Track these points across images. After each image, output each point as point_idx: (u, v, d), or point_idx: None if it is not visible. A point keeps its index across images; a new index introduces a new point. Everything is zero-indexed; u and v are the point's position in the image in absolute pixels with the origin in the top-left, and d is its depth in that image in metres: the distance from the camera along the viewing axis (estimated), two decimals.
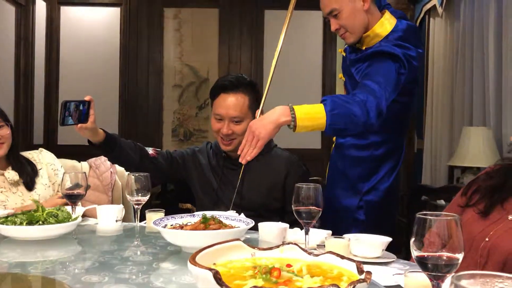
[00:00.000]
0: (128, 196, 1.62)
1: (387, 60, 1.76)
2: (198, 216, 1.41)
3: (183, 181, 2.15)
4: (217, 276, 0.79)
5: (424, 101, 4.29)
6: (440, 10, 3.97)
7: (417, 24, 4.45)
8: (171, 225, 1.39)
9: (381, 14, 1.93)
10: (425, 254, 0.86)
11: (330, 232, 1.54)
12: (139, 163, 1.97)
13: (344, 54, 2.06)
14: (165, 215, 1.57)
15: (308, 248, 1.36)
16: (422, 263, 0.86)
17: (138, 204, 1.63)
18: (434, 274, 0.86)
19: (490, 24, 3.24)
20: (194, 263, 0.87)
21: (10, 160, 2.07)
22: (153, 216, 1.65)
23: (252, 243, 1.48)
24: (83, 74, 4.68)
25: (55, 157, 2.25)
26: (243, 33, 4.80)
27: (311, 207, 1.33)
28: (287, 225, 1.53)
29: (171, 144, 4.72)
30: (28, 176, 2.06)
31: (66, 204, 1.73)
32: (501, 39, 3.13)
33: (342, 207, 2.02)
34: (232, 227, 1.34)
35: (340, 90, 3.98)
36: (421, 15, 4.38)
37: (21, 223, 1.44)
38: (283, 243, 1.07)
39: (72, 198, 1.62)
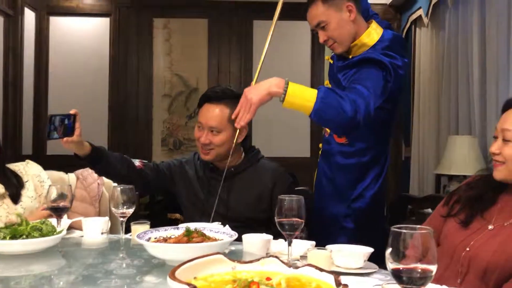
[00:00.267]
0: (113, 208, 1.62)
1: (374, 67, 1.80)
2: (182, 228, 1.42)
3: (171, 192, 2.15)
4: None
5: (411, 110, 4.34)
6: (425, 20, 4.03)
7: (404, 33, 4.51)
8: (155, 238, 1.40)
9: (368, 24, 1.97)
10: (400, 267, 0.87)
11: (313, 243, 1.56)
12: (126, 175, 1.98)
13: (331, 62, 2.09)
14: (152, 226, 1.57)
15: (291, 260, 1.37)
16: (397, 275, 0.88)
17: (123, 217, 1.63)
18: (409, 286, 0.87)
19: (474, 34, 3.29)
20: (174, 278, 0.88)
21: None
22: (138, 228, 1.65)
23: (236, 255, 1.50)
24: (72, 84, 4.68)
25: (42, 169, 2.25)
26: (232, 43, 4.83)
27: (293, 219, 1.34)
28: (271, 237, 1.55)
29: (161, 154, 4.72)
30: (14, 188, 2.05)
31: (51, 216, 1.73)
32: (484, 49, 3.18)
33: (330, 214, 2.03)
34: (215, 239, 1.35)
35: None
36: (408, 25, 4.44)
37: (4, 237, 1.44)
38: (266, 255, 1.08)
39: (57, 211, 1.62)
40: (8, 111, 4.07)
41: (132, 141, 4.71)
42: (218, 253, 1.04)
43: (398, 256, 0.87)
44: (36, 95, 4.61)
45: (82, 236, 1.75)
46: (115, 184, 2.25)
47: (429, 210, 3.07)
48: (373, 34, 1.92)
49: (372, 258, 1.44)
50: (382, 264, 1.44)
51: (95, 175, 2.46)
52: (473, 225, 1.44)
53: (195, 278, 0.97)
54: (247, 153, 2.08)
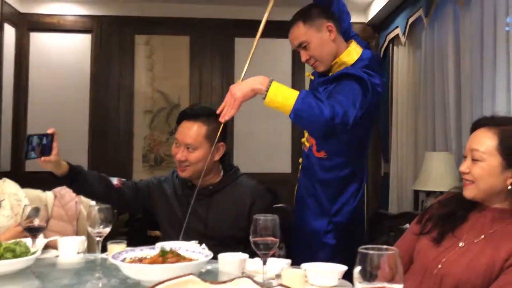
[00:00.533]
0: (89, 228, 1.62)
1: (353, 81, 1.86)
2: (158, 248, 1.42)
3: (149, 211, 2.15)
4: None
5: (389, 126, 4.41)
6: (403, 39, 4.12)
7: (382, 52, 4.60)
8: (130, 258, 1.40)
9: (348, 44, 2.04)
10: (368, 286, 0.89)
11: (289, 261, 1.57)
12: (104, 194, 1.97)
13: (312, 77, 2.16)
14: (132, 243, 1.57)
15: (267, 279, 1.38)
16: None
17: (99, 236, 1.63)
18: None
19: (449, 53, 3.38)
20: None
21: None
22: (114, 248, 1.64)
23: (213, 274, 1.51)
24: (52, 101, 4.65)
25: (19, 187, 2.23)
26: (214, 59, 4.86)
27: (268, 238, 1.35)
28: (247, 256, 1.55)
29: (142, 170, 4.70)
30: None
31: (25, 236, 1.71)
32: (459, 68, 3.27)
33: (311, 230, 2.06)
34: (191, 259, 1.36)
35: None
36: (385, 43, 4.53)
37: None
38: (241, 275, 1.10)
39: (32, 231, 1.61)
40: None
41: (112, 157, 4.68)
42: (191, 274, 1.04)
43: (366, 276, 0.89)
44: (15, 112, 4.57)
45: (58, 256, 1.74)
46: (93, 203, 2.24)
47: (407, 225, 3.11)
48: (352, 53, 1.99)
49: (349, 275, 1.45)
50: None
51: (73, 194, 2.44)
52: (445, 243, 1.47)
53: None
54: (226, 171, 2.09)
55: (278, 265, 1.52)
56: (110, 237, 1.68)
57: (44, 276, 1.54)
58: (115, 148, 4.72)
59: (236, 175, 2.08)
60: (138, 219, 3.81)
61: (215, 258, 1.49)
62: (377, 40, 4.77)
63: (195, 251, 1.42)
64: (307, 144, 2.09)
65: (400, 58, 4.32)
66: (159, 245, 1.50)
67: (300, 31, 1.96)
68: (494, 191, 1.40)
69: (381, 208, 4.44)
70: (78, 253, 1.73)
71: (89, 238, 1.96)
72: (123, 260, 1.36)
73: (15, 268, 1.45)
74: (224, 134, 1.98)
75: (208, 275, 1.45)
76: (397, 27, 4.22)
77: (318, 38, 1.95)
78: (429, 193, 3.40)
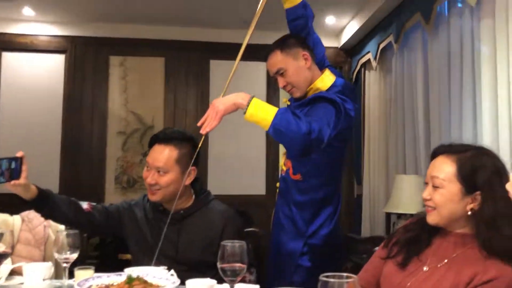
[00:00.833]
0: (56, 254, 1.60)
1: (327, 104, 1.95)
2: (125, 275, 1.41)
3: (120, 235, 2.12)
4: None
5: (362, 148, 4.48)
6: (374, 63, 4.22)
7: (354, 76, 4.70)
8: (96, 285, 1.38)
9: (322, 72, 2.15)
10: None
11: (258, 287, 1.57)
12: (73, 219, 1.95)
13: (288, 103, 2.24)
14: (102, 267, 1.56)
15: None
16: None
17: (66, 262, 1.61)
18: None
19: (418, 78, 3.47)
20: None
21: None
22: (81, 274, 1.62)
23: None
24: (23, 121, 4.58)
25: None
26: (189, 81, 4.88)
27: (236, 264, 1.36)
28: (215, 282, 1.55)
29: (114, 192, 4.65)
30: None
31: None
32: (428, 93, 3.36)
33: (287, 252, 2.09)
34: (158, 286, 1.35)
35: None
36: (357, 68, 4.63)
37: None
38: None
39: None
40: None
41: (84, 179, 4.62)
42: None
43: None
44: None
45: (22, 283, 1.70)
46: (62, 227, 2.21)
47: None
48: (326, 80, 2.11)
49: None
50: None
51: (42, 218, 2.40)
52: (410, 267, 1.50)
53: None
54: (198, 195, 2.09)
55: None
56: (79, 261, 1.66)
57: None
58: (87, 170, 4.66)
59: (207, 199, 2.09)
60: (109, 242, 3.76)
61: (183, 283, 1.49)
62: (349, 64, 4.87)
63: (162, 278, 1.42)
64: (284, 168, 2.16)
65: (372, 82, 4.42)
66: (127, 271, 1.49)
67: (278, 59, 2.07)
68: (455, 217, 1.43)
69: (354, 230, 4.49)
70: (44, 279, 1.70)
71: (57, 263, 1.92)
72: (90, 287, 1.35)
73: None
74: (196, 158, 1.99)
75: None
76: (368, 52, 4.33)
77: (294, 65, 2.06)
78: (400, 216, 3.45)
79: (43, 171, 4.34)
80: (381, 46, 4.04)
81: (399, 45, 3.72)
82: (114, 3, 4.20)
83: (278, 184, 2.25)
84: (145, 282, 1.34)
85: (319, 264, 2.05)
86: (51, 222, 2.42)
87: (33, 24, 4.65)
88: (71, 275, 1.64)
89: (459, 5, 3.04)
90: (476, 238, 1.39)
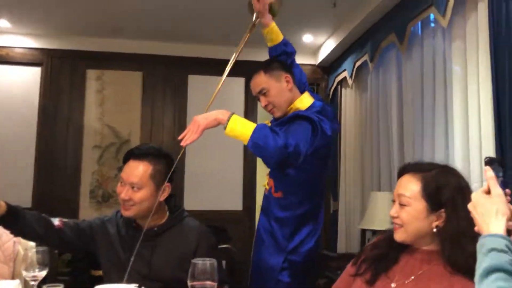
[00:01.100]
0: (24, 272, 1.57)
1: (304, 121, 2.05)
2: None
3: (92, 252, 2.10)
4: None
5: (338, 164, 4.52)
6: (350, 81, 4.28)
7: (331, 93, 4.76)
8: None
9: (301, 93, 2.28)
10: None
11: None
12: (44, 236, 1.92)
13: (269, 124, 2.30)
14: (74, 283, 1.54)
15: None
16: None
17: (34, 280, 1.58)
18: None
19: (392, 96, 3.54)
20: None
21: None
22: None
23: None
24: None
25: None
26: (166, 96, 4.87)
27: (206, 282, 1.36)
28: None
29: (89, 206, 4.59)
30: None
31: None
32: (402, 111, 3.42)
33: (267, 267, 2.17)
34: None
35: None
36: (334, 85, 4.70)
37: None
38: None
39: None
40: None
41: (59, 193, 4.54)
42: None
43: None
44: None
45: None
46: (33, 244, 2.17)
47: None
48: (305, 101, 2.25)
49: None
50: None
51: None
52: (378, 284, 1.52)
53: None
54: (172, 212, 2.08)
55: None
56: (50, 277, 1.64)
57: None
58: (62, 183, 4.59)
59: (181, 216, 2.07)
60: (81, 258, 3.69)
61: None
62: (326, 82, 4.94)
63: None
64: (267, 187, 2.27)
65: (348, 99, 4.48)
66: None
67: (262, 79, 2.20)
68: (421, 234, 1.46)
69: (330, 245, 4.50)
70: None
71: (26, 281, 1.88)
72: None
73: None
74: (171, 174, 1.99)
75: None
76: (344, 70, 4.40)
77: (277, 86, 2.20)
78: (375, 232, 3.48)
79: (17, 184, 4.27)
80: (357, 64, 4.11)
81: (374, 64, 3.79)
82: (92, 16, 4.19)
83: (261, 203, 2.34)
84: None
85: (298, 279, 2.13)
86: (21, 239, 2.38)
87: (9, 36, 4.60)
88: None
89: (432, 25, 3.13)
90: (441, 254, 1.42)
